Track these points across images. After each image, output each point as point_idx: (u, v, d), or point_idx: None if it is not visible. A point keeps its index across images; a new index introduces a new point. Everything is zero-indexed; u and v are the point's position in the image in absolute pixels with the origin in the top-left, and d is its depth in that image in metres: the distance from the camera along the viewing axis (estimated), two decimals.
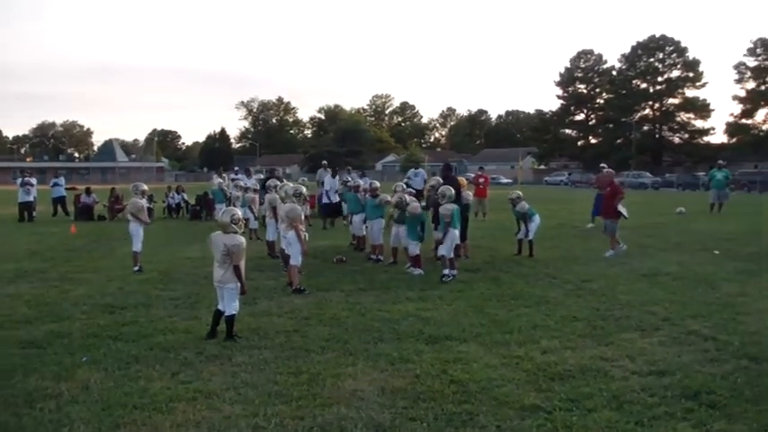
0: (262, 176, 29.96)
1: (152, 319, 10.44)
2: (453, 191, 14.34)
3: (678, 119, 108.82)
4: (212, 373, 7.78)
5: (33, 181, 31.12)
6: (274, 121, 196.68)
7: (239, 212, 9.92)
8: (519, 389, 7.16)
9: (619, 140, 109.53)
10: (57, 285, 13.49)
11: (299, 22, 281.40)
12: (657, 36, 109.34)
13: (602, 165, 27.02)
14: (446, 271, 13.58)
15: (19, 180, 31.11)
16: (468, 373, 7.65)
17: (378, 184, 17.58)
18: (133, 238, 15.17)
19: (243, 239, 9.46)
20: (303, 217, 13.28)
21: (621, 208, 17.69)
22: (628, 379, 7.47)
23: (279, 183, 18.46)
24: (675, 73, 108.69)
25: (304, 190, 14.18)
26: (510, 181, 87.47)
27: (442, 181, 16.17)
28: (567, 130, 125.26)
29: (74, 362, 8.22)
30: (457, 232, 14.11)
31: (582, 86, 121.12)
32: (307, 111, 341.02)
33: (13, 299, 12.18)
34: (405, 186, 16.72)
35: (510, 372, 7.75)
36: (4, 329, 9.99)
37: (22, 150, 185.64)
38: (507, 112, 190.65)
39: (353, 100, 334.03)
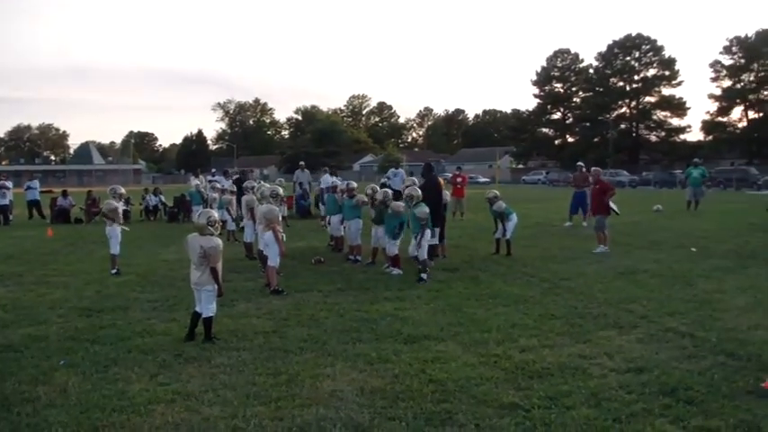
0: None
1: (130, 322, 10.39)
2: (420, 192, 14.36)
3: (655, 117, 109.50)
4: (191, 374, 7.75)
5: (9, 184, 30.83)
6: (251, 122, 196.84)
7: (216, 214, 9.90)
8: (497, 387, 7.18)
9: (596, 139, 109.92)
10: (33, 289, 13.39)
11: (276, 23, 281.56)
12: (634, 35, 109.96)
13: (579, 163, 27.26)
14: (424, 276, 13.53)
15: None
16: (447, 373, 7.66)
17: (355, 184, 17.51)
18: (110, 240, 15.09)
19: (219, 241, 9.43)
20: (281, 218, 13.28)
21: (613, 204, 17.83)
22: (606, 376, 7.51)
23: (255, 184, 18.42)
24: (652, 71, 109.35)
25: (281, 191, 14.18)
26: (488, 180, 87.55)
27: (417, 182, 16.20)
28: (545, 129, 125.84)
29: (51, 365, 8.16)
30: (430, 233, 14.16)
31: (559, 85, 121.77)
32: (284, 112, 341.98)
33: None
34: (377, 189, 16.63)
35: (488, 370, 7.76)
36: None
37: None
38: (484, 112, 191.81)
39: (330, 101, 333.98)
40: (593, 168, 19.60)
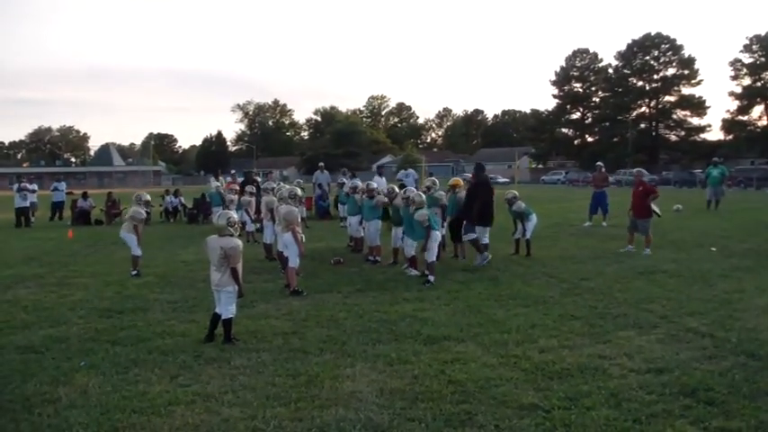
0: (259, 179, 30.02)
1: (150, 323, 10.43)
2: (423, 197, 14.29)
3: (674, 116, 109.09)
4: (211, 376, 7.78)
5: (33, 187, 31.03)
6: (271, 123, 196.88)
7: (235, 215, 9.94)
8: (517, 388, 7.17)
9: (615, 139, 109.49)
10: (54, 290, 13.47)
11: (295, 24, 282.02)
12: (653, 34, 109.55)
13: (598, 163, 27.16)
14: (431, 277, 13.43)
15: (15, 186, 31.03)
16: (467, 373, 7.66)
17: (375, 185, 17.53)
18: (130, 243, 15.18)
19: (239, 242, 9.47)
20: (300, 219, 13.30)
21: (655, 207, 17.70)
22: (626, 377, 7.48)
23: (275, 185, 18.46)
24: (671, 71, 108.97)
25: (299, 192, 14.23)
26: (507, 180, 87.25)
27: (437, 183, 16.25)
28: (564, 129, 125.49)
29: (72, 366, 8.22)
30: (438, 233, 14.13)
31: (578, 85, 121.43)
32: (303, 113, 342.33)
33: (10, 304, 12.15)
34: (395, 189, 16.61)
35: (508, 371, 7.75)
36: (2, 335, 9.96)
37: (19, 156, 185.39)
38: (503, 112, 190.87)
39: (350, 101, 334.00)
40: (636, 170, 19.34)
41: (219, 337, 9.24)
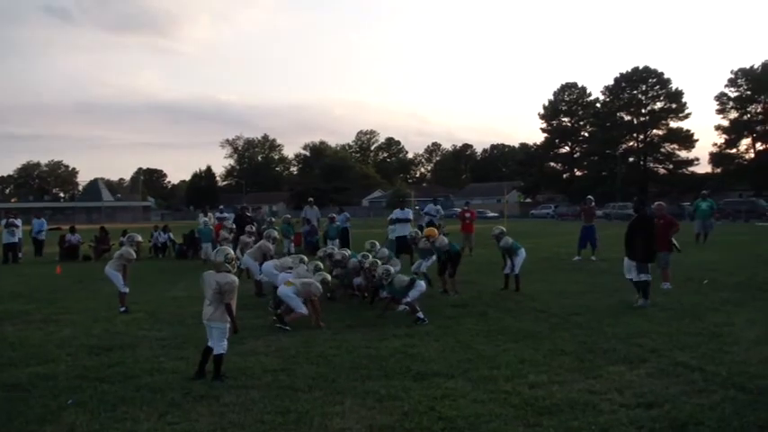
0: (249, 213, 30.07)
1: (138, 360, 10.37)
2: (393, 271, 14.15)
3: (662, 150, 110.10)
4: (200, 413, 7.73)
5: (18, 222, 30.96)
6: (260, 158, 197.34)
7: (233, 252, 10.01)
8: (507, 424, 7.14)
9: (604, 173, 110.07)
10: (41, 327, 13.38)
11: (283, 59, 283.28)
12: (641, 68, 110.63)
13: (588, 197, 27.22)
14: (420, 314, 13.22)
15: (3, 221, 30.86)
16: (457, 410, 7.63)
17: (339, 256, 17.16)
18: (114, 280, 15.16)
19: (235, 278, 9.51)
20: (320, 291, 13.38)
21: (674, 240, 17.63)
22: (616, 412, 7.46)
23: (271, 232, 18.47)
24: (659, 104, 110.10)
25: (276, 234, 14.31)
26: (496, 215, 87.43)
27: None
28: (552, 163, 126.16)
29: (59, 404, 8.15)
30: (423, 285, 14.07)
31: (566, 119, 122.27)
32: (292, 148, 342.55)
33: None
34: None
35: (498, 407, 7.72)
36: None
37: (7, 191, 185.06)
38: (492, 146, 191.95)
39: (339, 136, 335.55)
40: (656, 203, 19.16)
41: (209, 373, 9.20)
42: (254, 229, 22.33)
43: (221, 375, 9.14)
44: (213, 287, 9.26)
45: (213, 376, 9.12)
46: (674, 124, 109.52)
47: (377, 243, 17.41)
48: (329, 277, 14.72)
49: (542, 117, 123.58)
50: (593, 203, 26.48)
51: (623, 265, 15.30)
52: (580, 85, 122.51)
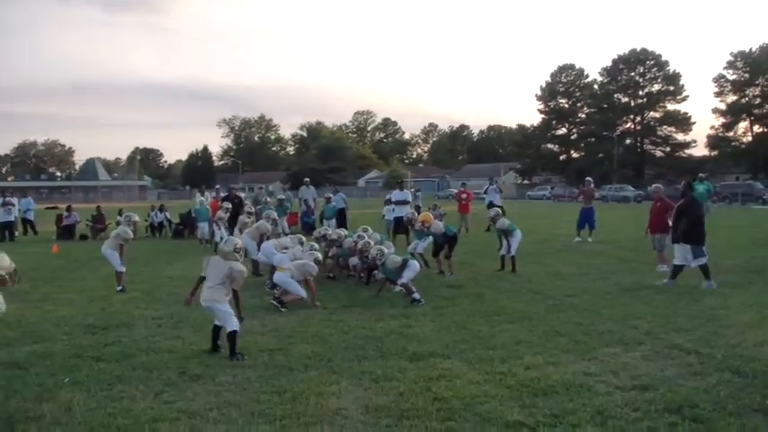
0: (244, 194, 30.11)
1: (135, 339, 10.39)
2: (386, 252, 14.13)
3: (660, 132, 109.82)
4: (195, 392, 7.74)
5: (15, 201, 30.92)
6: (256, 138, 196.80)
7: (240, 242, 10.19)
8: (502, 405, 7.15)
9: (601, 154, 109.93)
10: (38, 306, 13.39)
11: (281, 39, 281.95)
12: (638, 50, 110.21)
13: (587, 179, 27.26)
14: (416, 295, 13.20)
15: (0, 200, 30.78)
16: (452, 390, 7.64)
17: (336, 235, 17.36)
18: (111, 259, 15.16)
19: (245, 268, 9.74)
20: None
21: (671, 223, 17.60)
22: (611, 394, 7.47)
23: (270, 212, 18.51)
24: (656, 87, 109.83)
25: (275, 215, 14.32)
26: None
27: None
28: (549, 145, 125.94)
29: (56, 383, 8.16)
30: (417, 265, 14.14)
31: (563, 101, 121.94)
32: (289, 128, 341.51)
33: None
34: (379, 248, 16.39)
35: (493, 388, 7.74)
36: None
37: (4, 170, 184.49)
38: (489, 127, 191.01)
39: (336, 117, 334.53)
40: (654, 185, 19.17)
41: (207, 351, 9.21)
42: (252, 209, 22.31)
43: (237, 353, 9.17)
44: (224, 272, 9.34)
45: (230, 354, 9.17)
46: (671, 107, 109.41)
47: (369, 228, 17.33)
48: (320, 256, 14.70)
49: (539, 98, 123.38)
50: (593, 185, 26.49)
51: (674, 252, 15.10)
52: (578, 67, 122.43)
